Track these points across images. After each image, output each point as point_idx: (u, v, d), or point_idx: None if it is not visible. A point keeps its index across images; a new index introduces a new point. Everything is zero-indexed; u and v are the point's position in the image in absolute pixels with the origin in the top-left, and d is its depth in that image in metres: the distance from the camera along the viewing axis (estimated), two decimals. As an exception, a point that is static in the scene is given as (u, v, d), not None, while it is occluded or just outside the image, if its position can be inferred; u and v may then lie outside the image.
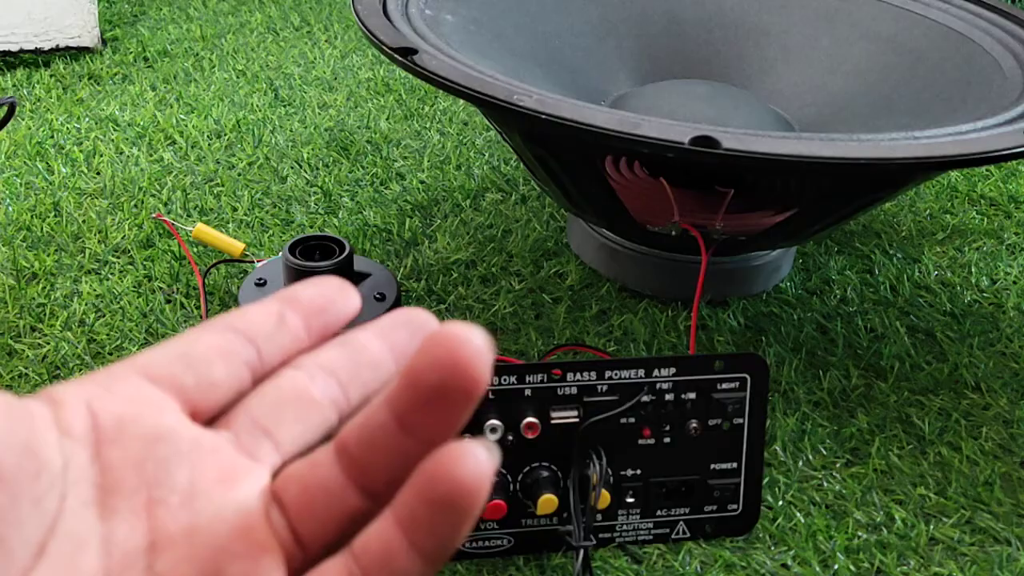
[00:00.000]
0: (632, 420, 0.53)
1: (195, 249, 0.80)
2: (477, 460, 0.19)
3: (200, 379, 0.22)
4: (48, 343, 0.69)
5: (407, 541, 0.20)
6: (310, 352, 0.24)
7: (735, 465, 0.55)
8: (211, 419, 0.23)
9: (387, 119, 1.06)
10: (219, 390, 0.23)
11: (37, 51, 1.17)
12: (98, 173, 0.93)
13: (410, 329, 0.24)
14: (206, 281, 0.76)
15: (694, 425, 0.53)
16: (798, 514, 0.57)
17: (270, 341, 0.23)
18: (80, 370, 0.67)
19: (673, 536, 0.56)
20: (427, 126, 1.05)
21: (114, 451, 0.21)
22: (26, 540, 0.19)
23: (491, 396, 0.52)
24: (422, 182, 0.93)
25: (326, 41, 1.29)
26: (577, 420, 0.52)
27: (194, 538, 0.21)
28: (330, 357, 0.23)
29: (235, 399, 0.23)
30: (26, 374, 0.66)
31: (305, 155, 0.97)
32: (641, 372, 0.52)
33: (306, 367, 0.23)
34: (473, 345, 0.19)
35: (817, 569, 0.54)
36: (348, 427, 0.22)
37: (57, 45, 1.18)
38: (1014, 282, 0.82)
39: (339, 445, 0.22)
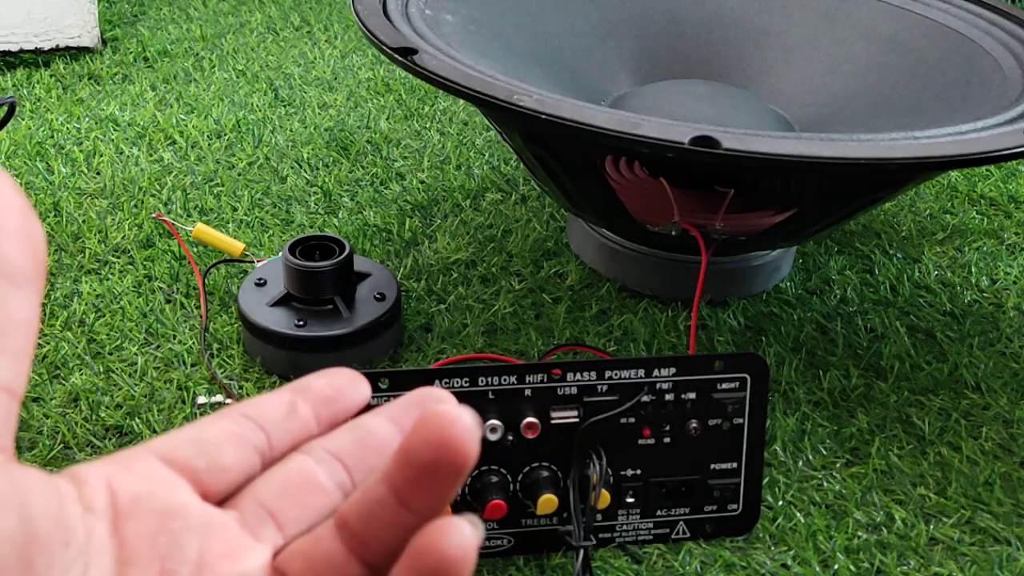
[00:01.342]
0: (632, 420, 0.53)
1: (195, 249, 0.80)
2: (463, 535, 0.20)
3: (211, 462, 0.24)
4: (48, 343, 0.69)
5: None
6: (319, 438, 0.26)
7: (735, 465, 0.55)
8: (221, 500, 0.25)
9: (387, 119, 1.06)
10: (229, 473, 0.25)
11: (37, 51, 1.17)
12: (98, 173, 0.93)
13: (421, 411, 0.25)
14: (206, 281, 0.76)
15: (694, 425, 0.53)
16: (798, 514, 0.57)
17: (280, 428, 0.25)
18: (80, 370, 0.67)
19: (673, 536, 0.56)
20: (427, 126, 1.05)
21: (131, 525, 0.22)
22: None
23: (491, 396, 0.52)
24: (422, 182, 0.93)
25: (326, 41, 1.29)
26: (577, 420, 0.52)
27: None
28: (338, 442, 0.25)
29: (244, 482, 0.25)
30: (26, 374, 0.66)
31: (305, 155, 0.97)
32: (641, 372, 0.52)
33: (314, 452, 0.25)
34: (461, 425, 0.21)
35: (817, 569, 0.54)
36: (348, 502, 0.23)
37: (57, 45, 1.18)
38: (1014, 282, 0.82)
39: (339, 519, 0.23)
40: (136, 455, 0.24)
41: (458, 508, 0.53)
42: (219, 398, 0.65)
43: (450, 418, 0.21)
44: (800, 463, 0.61)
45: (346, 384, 0.26)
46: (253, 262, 0.76)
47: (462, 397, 0.51)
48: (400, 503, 0.22)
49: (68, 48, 1.19)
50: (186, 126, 1.02)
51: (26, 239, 0.20)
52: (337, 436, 0.26)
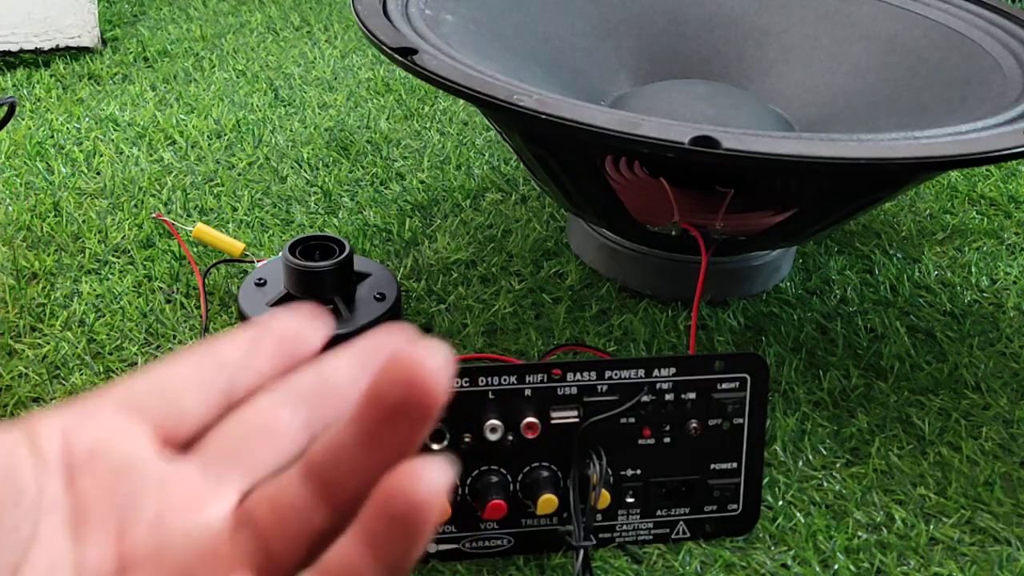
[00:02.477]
0: (632, 420, 0.53)
1: (195, 249, 0.80)
2: (431, 478, 0.20)
3: (171, 408, 0.23)
4: (48, 343, 0.69)
5: (371, 556, 0.21)
6: (282, 378, 0.24)
7: (735, 465, 0.55)
8: (183, 446, 0.24)
9: (387, 119, 1.06)
10: (191, 418, 0.24)
11: (37, 51, 1.17)
12: (98, 173, 0.93)
13: (387, 351, 0.24)
14: (206, 281, 0.76)
15: (694, 425, 0.53)
16: (798, 514, 0.57)
17: (241, 368, 0.24)
18: (80, 370, 0.67)
19: (673, 536, 0.56)
20: (427, 126, 1.05)
21: (86, 479, 0.22)
22: (2, 564, 0.20)
23: (491, 396, 0.52)
24: (422, 182, 0.93)
25: (326, 41, 1.29)
26: (577, 420, 0.52)
27: (162, 560, 0.22)
28: (302, 383, 0.24)
29: (207, 426, 0.24)
30: (26, 374, 0.66)
31: (305, 155, 0.97)
32: (641, 372, 0.52)
33: (278, 393, 0.24)
34: (430, 364, 0.20)
35: (817, 569, 0.54)
36: (315, 446, 0.22)
37: (57, 45, 1.18)
38: (1014, 282, 0.82)
39: (307, 464, 0.22)
40: (93, 404, 0.23)
41: (458, 508, 0.53)
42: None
43: (419, 357, 0.20)
44: (800, 463, 0.61)
45: (307, 321, 0.25)
46: (253, 262, 0.76)
47: (462, 397, 0.51)
48: (368, 446, 0.21)
49: (68, 48, 1.19)
50: (186, 126, 1.02)
51: None
52: (301, 376, 0.24)
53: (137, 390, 0.24)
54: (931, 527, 0.57)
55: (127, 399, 0.23)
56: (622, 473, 0.54)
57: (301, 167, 0.95)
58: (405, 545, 0.20)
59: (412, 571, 0.54)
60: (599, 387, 0.52)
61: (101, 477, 0.22)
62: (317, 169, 0.95)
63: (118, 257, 0.80)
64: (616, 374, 0.52)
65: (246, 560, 0.22)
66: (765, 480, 0.59)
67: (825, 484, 0.60)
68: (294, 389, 0.24)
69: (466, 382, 0.51)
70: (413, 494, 0.20)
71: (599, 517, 0.54)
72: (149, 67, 1.18)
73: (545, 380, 0.52)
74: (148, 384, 0.24)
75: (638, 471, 0.54)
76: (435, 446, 0.51)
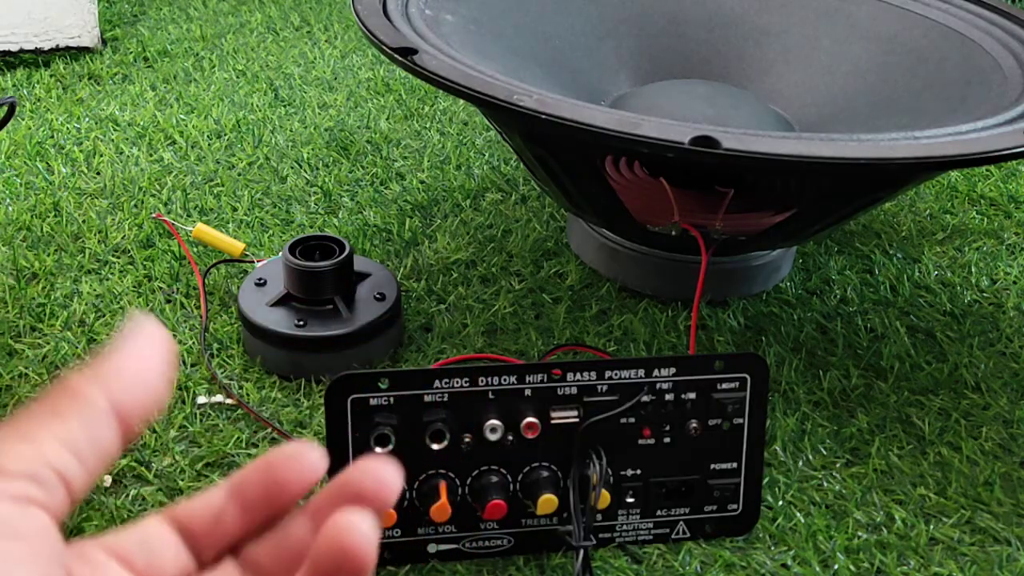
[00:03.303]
0: (632, 420, 0.53)
1: (195, 249, 0.80)
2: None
3: (152, 563, 0.26)
4: (48, 343, 0.69)
5: None
6: (249, 542, 0.27)
7: (735, 465, 0.55)
8: None
9: (387, 119, 1.06)
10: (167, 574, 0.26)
11: (37, 51, 1.17)
12: (98, 173, 0.93)
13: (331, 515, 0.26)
14: (206, 281, 0.76)
15: (694, 425, 0.53)
16: (798, 514, 0.57)
17: (209, 536, 0.27)
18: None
19: (673, 536, 0.56)
20: (427, 126, 1.05)
21: None
22: None
23: (491, 396, 0.52)
24: (422, 182, 0.93)
25: (326, 41, 1.29)
26: (577, 420, 0.52)
27: None
28: (262, 548, 0.27)
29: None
30: (26, 374, 0.66)
31: (305, 155, 0.97)
32: (641, 372, 0.52)
33: (243, 557, 0.27)
34: (358, 533, 0.24)
35: (817, 569, 0.54)
36: None
37: (57, 45, 1.18)
38: (1014, 282, 0.82)
39: None
40: (88, 547, 0.25)
41: (459, 508, 0.53)
42: (219, 398, 0.65)
43: (348, 527, 0.23)
44: (800, 463, 0.61)
45: (292, 472, 0.27)
46: (253, 262, 0.76)
47: (462, 397, 0.51)
48: None
49: (68, 48, 1.19)
50: (186, 126, 1.02)
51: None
52: (262, 542, 0.27)
53: (125, 542, 0.26)
54: (931, 527, 0.57)
55: (116, 547, 0.25)
56: (622, 473, 0.54)
57: (301, 167, 0.95)
58: None
59: (411, 568, 0.54)
60: (599, 387, 0.52)
61: None
62: (317, 169, 0.95)
63: (118, 257, 0.80)
64: (616, 374, 0.52)
65: None
66: (765, 480, 0.59)
67: (825, 484, 0.60)
68: (254, 556, 0.27)
69: (466, 382, 0.51)
70: None
71: (599, 517, 0.54)
72: (149, 67, 1.18)
73: (545, 380, 0.52)
74: (135, 538, 0.26)
75: (638, 471, 0.54)
76: (435, 446, 0.51)
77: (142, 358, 0.25)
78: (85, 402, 0.24)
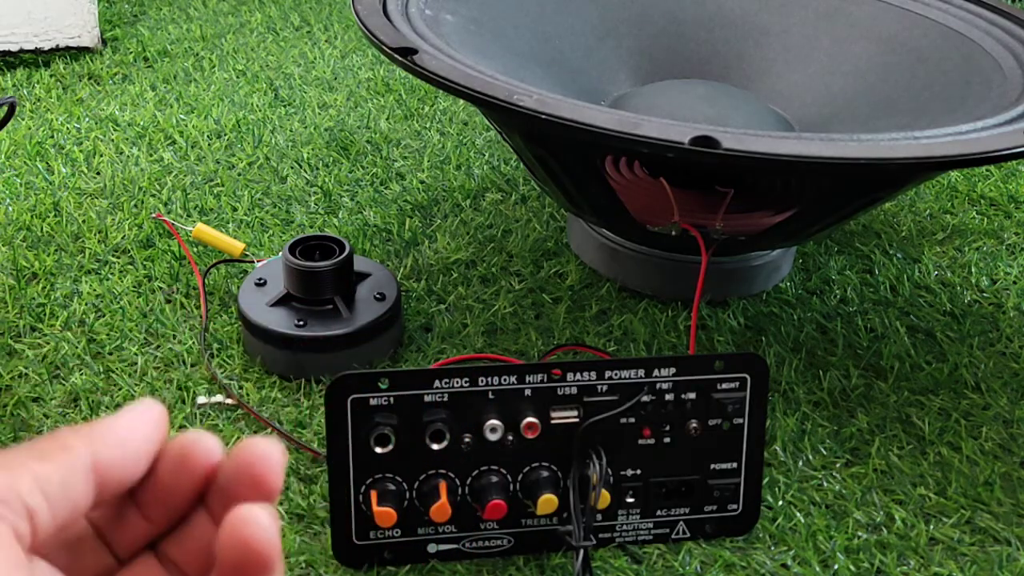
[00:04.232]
0: (632, 420, 0.53)
1: (195, 249, 0.80)
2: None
3: (75, 560, 0.27)
4: (48, 343, 0.69)
5: None
6: (164, 539, 0.28)
7: (735, 465, 0.55)
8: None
9: (387, 119, 1.06)
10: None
11: (37, 51, 1.17)
12: (98, 173, 0.93)
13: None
14: (206, 281, 0.76)
15: (694, 425, 0.53)
16: (798, 514, 0.57)
17: (119, 536, 0.27)
18: (80, 370, 0.67)
19: (673, 536, 0.56)
20: (427, 126, 1.05)
21: None
22: None
23: (491, 396, 0.52)
24: (422, 182, 0.93)
25: (326, 41, 1.29)
26: (577, 420, 0.52)
27: None
28: (178, 545, 0.28)
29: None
30: (26, 374, 0.66)
31: (305, 155, 0.97)
32: (641, 372, 0.52)
33: (161, 553, 0.28)
34: (256, 526, 0.24)
35: (817, 569, 0.54)
36: None
37: (57, 45, 1.18)
38: (1014, 282, 0.82)
39: None
40: None
41: (459, 508, 0.53)
42: (219, 398, 0.65)
43: (245, 521, 0.24)
44: (800, 463, 0.61)
45: (183, 466, 0.27)
46: (253, 262, 0.76)
47: (462, 397, 0.51)
48: None
49: (68, 48, 1.19)
50: (186, 126, 1.02)
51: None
52: (176, 537, 0.28)
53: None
54: (931, 527, 0.57)
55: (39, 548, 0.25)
56: (622, 473, 0.54)
57: (301, 167, 0.95)
58: None
59: (411, 568, 0.54)
60: (599, 387, 0.52)
61: None
62: (317, 169, 0.95)
63: (118, 257, 0.80)
64: (616, 374, 0.52)
65: None
66: (765, 480, 0.59)
67: (825, 484, 0.60)
68: (172, 555, 0.27)
69: (466, 382, 0.51)
70: None
71: (599, 517, 0.54)
72: (149, 67, 1.18)
73: (545, 380, 0.52)
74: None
75: (638, 471, 0.54)
76: (435, 446, 0.51)
77: (132, 425, 0.26)
78: (69, 451, 0.25)
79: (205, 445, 0.27)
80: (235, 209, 0.87)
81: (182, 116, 1.05)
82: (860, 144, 0.56)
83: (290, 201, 0.89)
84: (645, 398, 0.53)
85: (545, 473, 0.53)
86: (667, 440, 0.54)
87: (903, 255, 0.85)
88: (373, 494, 0.51)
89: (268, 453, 0.26)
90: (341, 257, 0.67)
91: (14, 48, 1.16)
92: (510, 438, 0.52)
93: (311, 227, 0.85)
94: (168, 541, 0.28)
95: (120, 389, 0.65)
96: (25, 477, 0.24)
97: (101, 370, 0.67)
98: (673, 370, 0.53)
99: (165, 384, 0.66)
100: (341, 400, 0.50)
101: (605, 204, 0.69)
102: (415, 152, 0.99)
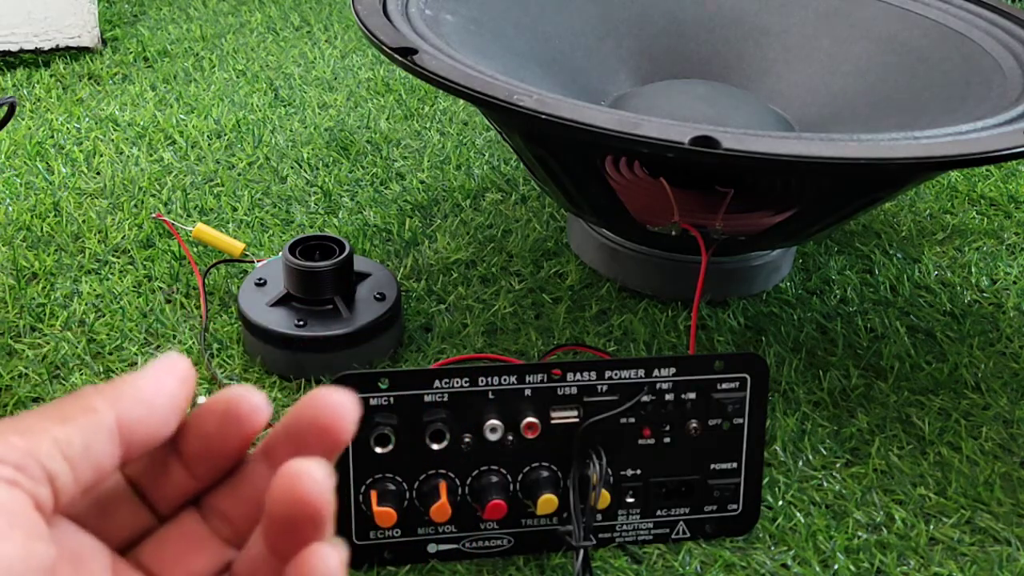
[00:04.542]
0: (632, 420, 0.53)
1: (195, 249, 0.80)
2: (326, 558, 0.23)
3: (106, 522, 0.26)
4: (48, 343, 0.69)
5: None
6: (206, 494, 0.27)
7: (735, 465, 0.55)
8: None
9: (387, 119, 1.06)
10: (123, 532, 0.26)
11: (37, 51, 1.17)
12: (98, 173, 0.93)
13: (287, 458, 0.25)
14: (206, 281, 0.76)
15: (694, 425, 0.53)
16: (798, 514, 0.57)
17: (160, 491, 0.26)
18: (80, 370, 0.67)
19: (673, 536, 0.56)
20: (427, 126, 1.05)
21: None
22: None
23: (491, 396, 0.52)
24: (422, 182, 0.93)
25: (326, 41, 1.29)
26: (577, 420, 0.52)
27: None
28: (220, 496, 0.27)
29: (134, 537, 0.26)
30: (26, 374, 0.66)
31: (305, 155, 0.97)
32: (641, 372, 0.52)
33: (202, 509, 0.27)
34: (310, 480, 0.23)
35: (817, 569, 0.54)
36: (238, 560, 0.26)
37: (57, 45, 1.18)
38: (1014, 282, 0.82)
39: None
40: None
41: (459, 508, 0.53)
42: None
43: (299, 474, 0.23)
44: (800, 463, 0.61)
45: (231, 419, 0.26)
46: (253, 262, 0.76)
47: (462, 397, 0.51)
48: (276, 556, 0.24)
49: (68, 48, 1.19)
50: (186, 126, 1.02)
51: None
52: (222, 490, 0.27)
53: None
54: (931, 527, 0.57)
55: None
56: (622, 473, 0.54)
57: (301, 167, 0.95)
58: None
59: (411, 568, 0.54)
60: (599, 387, 0.52)
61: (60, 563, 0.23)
62: (317, 169, 0.95)
63: (118, 257, 0.80)
64: (616, 374, 0.52)
65: None
66: (765, 480, 0.59)
67: (825, 484, 0.60)
68: (214, 504, 0.27)
69: (466, 382, 0.51)
70: (314, 572, 0.23)
71: (599, 517, 0.54)
72: (149, 67, 1.18)
73: (545, 380, 0.52)
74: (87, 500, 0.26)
75: (638, 471, 0.54)
76: (435, 446, 0.51)
77: (159, 383, 0.25)
78: (91, 412, 0.24)
79: (251, 401, 0.26)
80: (235, 209, 0.87)
81: (182, 116, 1.05)
82: (860, 144, 0.56)
83: (290, 201, 0.89)
84: (645, 398, 0.53)
85: (545, 473, 0.53)
86: (667, 440, 0.54)
87: (903, 255, 0.85)
88: (373, 494, 0.51)
89: (341, 403, 0.25)
90: (341, 257, 0.67)
91: (14, 48, 1.16)
92: (510, 438, 0.52)
93: (311, 227, 0.85)
94: (214, 494, 0.27)
95: (120, 389, 0.65)
96: (45, 441, 0.23)
97: (101, 370, 0.67)
98: (673, 370, 0.53)
99: (165, 384, 0.66)
100: (341, 400, 0.50)
101: (605, 204, 0.69)
102: (415, 152, 0.99)
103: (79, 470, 0.23)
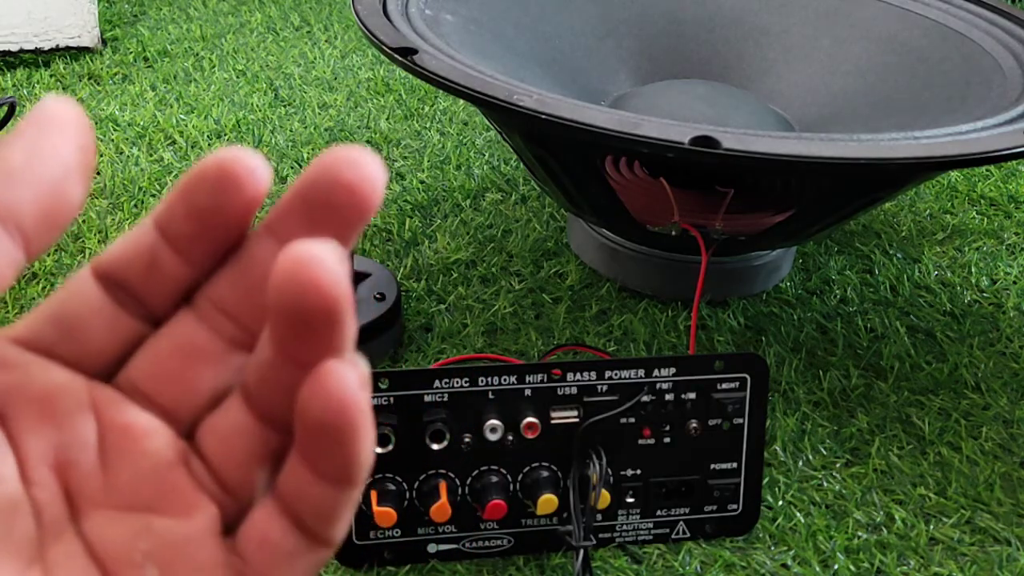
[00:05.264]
0: (632, 420, 0.53)
1: (195, 249, 0.80)
2: (340, 380, 0.19)
3: (76, 345, 0.21)
4: (48, 343, 0.69)
5: (313, 472, 0.20)
6: (203, 285, 0.22)
7: (735, 465, 0.55)
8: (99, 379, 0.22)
9: (387, 119, 1.06)
10: (102, 355, 0.22)
11: (37, 51, 1.17)
12: (98, 173, 0.93)
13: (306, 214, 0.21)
14: (206, 281, 0.75)
15: (694, 425, 0.53)
16: (798, 514, 0.57)
17: (149, 286, 0.22)
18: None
19: (673, 536, 0.56)
20: (427, 126, 1.05)
21: (12, 416, 0.20)
22: None
23: (491, 396, 0.52)
24: (422, 182, 0.93)
25: (326, 41, 1.29)
26: (577, 420, 0.52)
27: (116, 497, 0.21)
28: (221, 288, 0.22)
29: (120, 358, 0.22)
30: (26, 374, 0.66)
31: (305, 155, 0.97)
32: (641, 372, 0.52)
33: (197, 308, 0.22)
34: (319, 266, 0.18)
35: (817, 569, 0.54)
36: (247, 368, 0.21)
37: (57, 45, 1.18)
38: (1014, 282, 0.82)
39: (243, 388, 0.21)
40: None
41: (459, 508, 0.53)
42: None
43: (308, 256, 0.18)
44: (800, 463, 0.61)
45: (222, 187, 0.20)
46: (253, 262, 0.76)
47: (462, 397, 0.51)
48: (287, 360, 0.20)
49: (68, 48, 1.19)
50: (186, 126, 1.02)
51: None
52: (220, 279, 0.22)
53: (37, 326, 0.21)
54: (931, 527, 0.57)
55: (27, 336, 0.21)
56: (622, 473, 0.54)
57: (301, 167, 0.95)
58: (340, 452, 0.20)
59: (411, 568, 0.54)
60: (599, 387, 0.52)
61: (27, 410, 0.20)
62: (317, 169, 0.95)
63: (118, 257, 0.80)
64: (616, 374, 0.52)
65: (203, 491, 0.21)
66: (765, 480, 0.59)
67: (825, 484, 0.60)
68: (214, 298, 0.22)
69: (466, 382, 0.51)
70: (328, 399, 0.19)
71: (599, 517, 0.54)
72: (149, 67, 1.18)
73: (545, 380, 0.52)
74: (47, 316, 0.21)
75: (638, 471, 0.54)
76: (435, 446, 0.51)
77: (41, 152, 0.19)
78: None
79: (248, 162, 0.20)
80: (235, 209, 0.87)
81: (182, 116, 1.05)
82: (860, 144, 0.56)
83: (290, 201, 0.89)
84: (645, 398, 0.53)
85: (545, 473, 0.53)
86: (667, 440, 0.54)
87: (903, 255, 0.85)
88: (373, 494, 0.51)
89: (366, 160, 0.20)
90: (341, 257, 0.67)
91: (14, 48, 1.16)
92: (510, 438, 0.52)
93: (311, 227, 0.85)
94: (212, 284, 0.22)
95: (120, 389, 0.65)
96: None
97: (101, 370, 0.67)
98: (673, 370, 0.53)
99: (165, 384, 0.66)
100: (341, 400, 0.50)
101: (605, 204, 0.69)
102: (415, 152, 0.99)
103: None
